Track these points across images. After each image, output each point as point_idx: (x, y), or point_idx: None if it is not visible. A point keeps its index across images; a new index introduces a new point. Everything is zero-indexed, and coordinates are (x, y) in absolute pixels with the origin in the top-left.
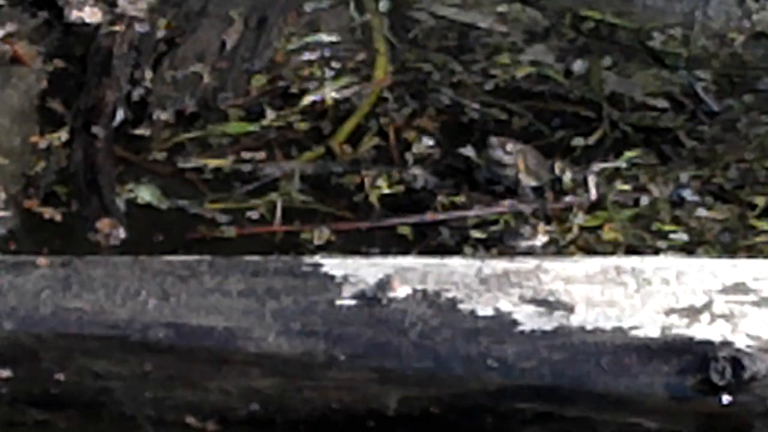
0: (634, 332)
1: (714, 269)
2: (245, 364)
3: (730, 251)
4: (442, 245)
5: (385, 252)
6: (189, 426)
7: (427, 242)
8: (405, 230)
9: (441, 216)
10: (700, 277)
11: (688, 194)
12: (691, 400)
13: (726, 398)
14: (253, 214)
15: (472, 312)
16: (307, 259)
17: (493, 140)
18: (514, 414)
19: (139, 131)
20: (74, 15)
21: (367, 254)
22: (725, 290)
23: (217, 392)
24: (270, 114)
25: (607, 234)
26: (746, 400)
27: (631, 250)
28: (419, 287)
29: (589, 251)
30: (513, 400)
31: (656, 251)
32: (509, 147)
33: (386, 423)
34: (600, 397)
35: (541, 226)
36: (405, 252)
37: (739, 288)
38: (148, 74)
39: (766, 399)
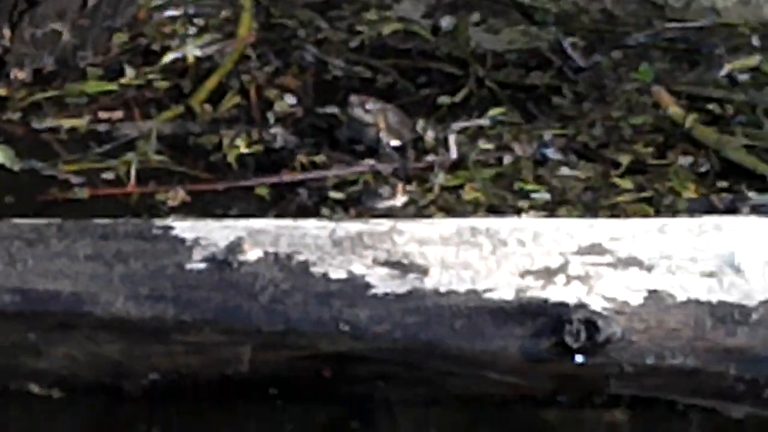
0: (488, 295)
1: (571, 230)
2: (92, 330)
3: (591, 210)
4: (300, 206)
5: (243, 214)
6: (33, 394)
7: (284, 203)
8: (263, 191)
9: (299, 176)
10: (556, 238)
11: (551, 153)
12: (545, 362)
13: (580, 360)
14: (109, 175)
15: (325, 275)
16: (158, 222)
17: (354, 99)
18: (366, 376)
19: None
20: None
21: (223, 216)
22: (581, 251)
23: (63, 359)
24: (129, 72)
25: (469, 194)
26: (601, 362)
27: (493, 210)
28: (271, 250)
29: (450, 211)
30: (365, 362)
31: (518, 211)
32: (369, 105)
33: (237, 387)
34: (454, 360)
35: (401, 186)
36: (262, 213)
37: (596, 249)
38: (6, 32)
39: (621, 361)
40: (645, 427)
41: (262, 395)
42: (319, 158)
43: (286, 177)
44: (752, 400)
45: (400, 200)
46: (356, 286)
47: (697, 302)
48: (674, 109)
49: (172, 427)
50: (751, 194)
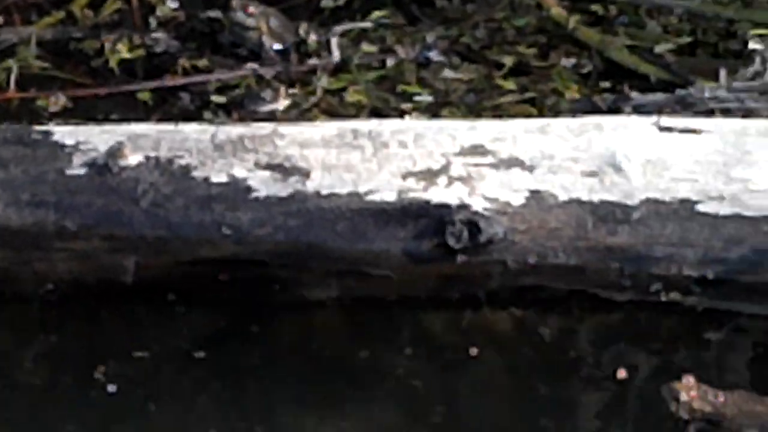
0: (370, 197)
1: (453, 131)
2: None
3: (474, 112)
4: (183, 110)
5: (124, 118)
6: None
7: (166, 108)
8: (144, 96)
9: (181, 80)
10: (438, 139)
11: (434, 55)
12: (428, 263)
13: (462, 260)
14: None
15: (206, 179)
16: (38, 128)
17: (236, 2)
18: (250, 280)
19: None
20: None
21: (104, 121)
22: (463, 152)
23: None
24: None
25: (352, 96)
26: (483, 262)
27: (376, 113)
28: (152, 154)
29: (333, 114)
30: (248, 266)
31: (400, 113)
32: (251, 9)
33: (120, 293)
34: (337, 260)
35: (284, 90)
36: (144, 118)
37: (478, 150)
38: None
39: (503, 260)
40: (529, 322)
41: (159, 301)
42: (202, 62)
43: (169, 81)
44: (635, 292)
45: (282, 104)
46: (238, 189)
47: (579, 202)
48: (557, 10)
49: (68, 332)
50: (634, 94)
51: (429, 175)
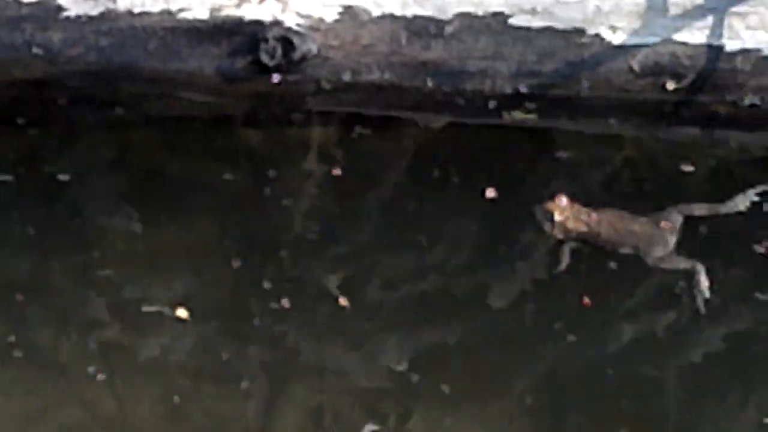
0: (182, 15)
1: None
2: None
3: None
4: None
5: None
6: None
7: None
8: None
9: None
10: None
11: None
12: (242, 81)
13: (277, 77)
14: None
15: None
16: None
17: None
18: (64, 100)
19: None
20: None
21: None
22: None
23: None
24: None
25: None
26: (298, 79)
27: None
28: None
29: None
30: (60, 86)
31: None
32: None
33: None
34: (150, 80)
35: None
36: None
37: None
38: None
39: (317, 78)
40: (346, 141)
41: None
42: None
43: None
44: (450, 110)
45: None
46: (48, 9)
47: (392, 17)
48: None
49: None
50: None
51: None
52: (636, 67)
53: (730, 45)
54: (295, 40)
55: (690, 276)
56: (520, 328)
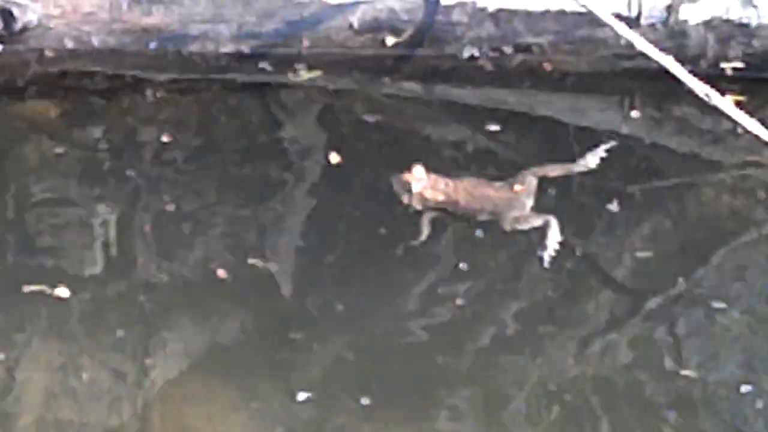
0: None
1: None
2: None
3: None
4: None
5: None
6: None
7: None
8: None
9: None
10: None
11: None
12: None
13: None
14: None
15: None
16: None
17: None
18: None
19: None
20: None
21: None
22: None
23: None
24: None
25: None
26: (20, 50)
27: None
28: None
29: None
30: None
31: None
32: None
33: None
34: None
35: None
36: None
37: None
38: None
39: (41, 47)
40: (68, 113)
41: None
42: None
43: None
44: (176, 70)
45: None
46: None
47: None
48: None
49: None
50: None
51: None
52: (355, 24)
53: None
54: (15, 11)
55: (543, 231)
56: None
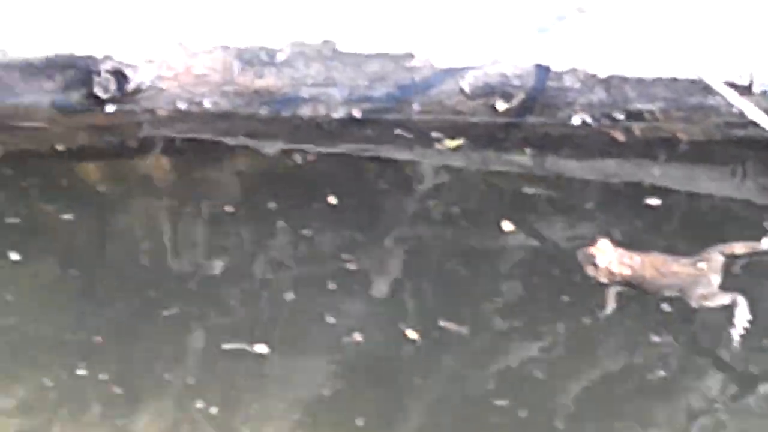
0: (15, 52)
1: None
2: None
3: None
4: None
5: None
6: None
7: None
8: None
9: None
10: None
11: None
12: (77, 113)
13: (111, 109)
14: None
15: None
16: None
17: None
18: None
19: None
20: None
21: None
22: (109, 1)
23: None
24: None
25: None
26: (133, 110)
27: None
28: None
29: None
30: None
31: None
32: None
33: None
34: None
35: None
36: None
37: None
38: None
39: (152, 109)
40: (182, 170)
41: None
42: None
43: None
44: (284, 137)
45: None
46: None
47: (224, 47)
48: None
49: None
50: None
51: (74, 26)
52: (466, 88)
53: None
54: (128, 72)
55: (731, 310)
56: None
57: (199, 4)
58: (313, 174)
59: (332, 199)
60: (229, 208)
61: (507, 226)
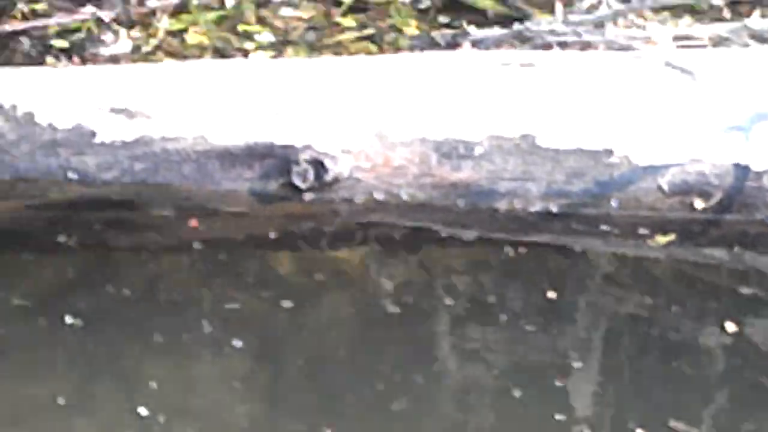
0: (215, 139)
1: (296, 70)
2: None
3: (316, 50)
4: (24, 55)
5: None
6: None
7: (7, 53)
8: None
9: (21, 25)
10: (282, 78)
11: None
12: (275, 202)
13: (309, 198)
14: None
15: (51, 124)
16: None
17: None
18: (96, 224)
19: None
20: None
21: None
22: (307, 91)
23: None
24: None
25: (193, 38)
26: (330, 199)
27: (218, 53)
28: None
29: (175, 56)
30: (95, 209)
31: (244, 53)
32: None
33: None
34: (184, 204)
35: (125, 32)
36: None
37: (320, 89)
38: None
39: (350, 199)
40: (376, 260)
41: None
42: (41, 6)
43: (8, 26)
44: (480, 226)
45: (123, 46)
46: (82, 133)
47: (422, 139)
48: None
49: None
50: (472, 29)
51: (274, 116)
52: (665, 186)
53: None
54: (327, 162)
55: None
56: None
57: (398, 95)
58: (526, 266)
59: (551, 294)
60: (423, 301)
61: (730, 326)
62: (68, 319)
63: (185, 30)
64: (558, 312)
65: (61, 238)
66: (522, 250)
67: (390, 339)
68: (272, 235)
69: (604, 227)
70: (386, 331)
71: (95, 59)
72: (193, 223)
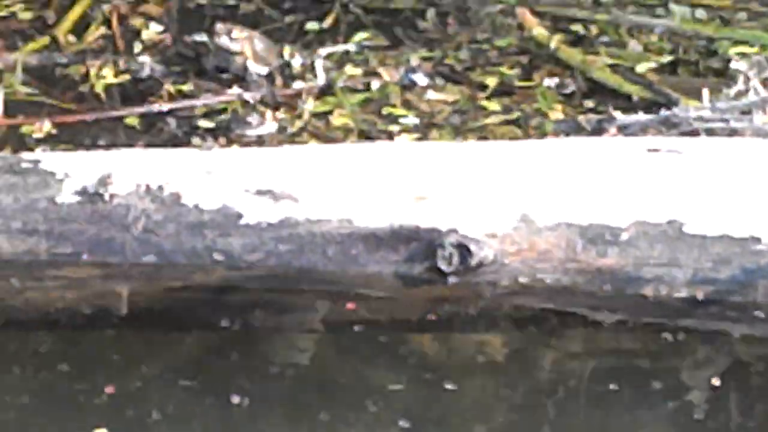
0: (360, 221)
1: (441, 153)
2: None
3: (460, 133)
4: (170, 136)
5: (112, 144)
6: None
7: (154, 133)
8: (132, 121)
9: (168, 105)
10: (427, 162)
11: (419, 77)
12: (419, 285)
13: (453, 282)
14: None
15: (197, 205)
16: (27, 156)
17: (219, 27)
18: (241, 305)
19: None
20: None
21: (91, 147)
22: (453, 175)
23: None
24: None
25: (338, 120)
26: (474, 284)
27: (363, 136)
28: (142, 181)
29: (320, 138)
30: (240, 291)
31: (388, 136)
32: (235, 33)
33: (114, 320)
34: (328, 286)
35: (270, 114)
36: (132, 144)
37: (466, 172)
38: None
39: (494, 283)
40: (519, 345)
41: (151, 328)
42: (187, 87)
43: (155, 106)
44: (625, 311)
45: (269, 128)
46: (228, 215)
47: (568, 224)
48: (539, 30)
49: (62, 361)
50: (618, 114)
51: (419, 199)
52: None
53: None
54: (472, 246)
55: None
56: None
57: (543, 180)
58: (680, 352)
59: (715, 381)
60: (580, 385)
61: None
62: (234, 399)
63: (330, 112)
64: (725, 399)
65: (205, 320)
66: (668, 336)
67: (557, 425)
68: (414, 317)
69: (762, 313)
70: (544, 415)
71: (241, 140)
72: (350, 305)
